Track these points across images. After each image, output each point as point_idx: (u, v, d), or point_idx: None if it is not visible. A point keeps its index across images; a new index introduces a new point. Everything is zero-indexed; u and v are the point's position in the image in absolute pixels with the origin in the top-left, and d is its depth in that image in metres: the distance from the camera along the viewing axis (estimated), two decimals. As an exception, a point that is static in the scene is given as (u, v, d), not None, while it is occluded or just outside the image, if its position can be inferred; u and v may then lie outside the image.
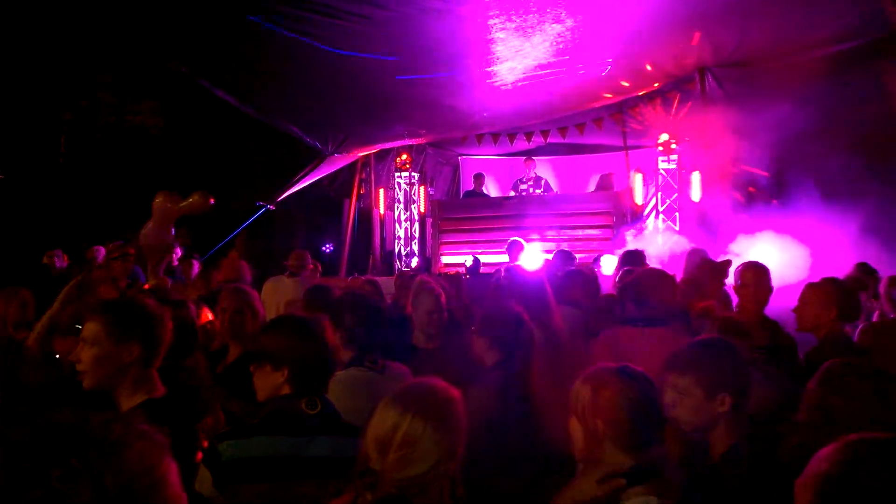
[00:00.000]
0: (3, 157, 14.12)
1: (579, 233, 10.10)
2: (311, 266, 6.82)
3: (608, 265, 7.75)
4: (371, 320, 3.20)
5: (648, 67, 8.26)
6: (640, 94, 9.32)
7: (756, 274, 3.89)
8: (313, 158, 9.43)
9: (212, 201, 4.76)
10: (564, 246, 9.61)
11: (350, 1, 5.35)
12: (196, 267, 7.37)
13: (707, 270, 4.70)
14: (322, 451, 2.14)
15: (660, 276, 3.81)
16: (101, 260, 8.19)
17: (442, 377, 2.27)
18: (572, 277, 4.93)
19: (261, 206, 9.88)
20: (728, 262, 4.66)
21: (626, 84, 8.85)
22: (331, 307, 3.63)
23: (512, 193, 11.20)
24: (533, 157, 11.66)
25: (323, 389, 2.33)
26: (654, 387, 2.01)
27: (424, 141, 11.60)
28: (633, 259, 5.73)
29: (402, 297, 5.28)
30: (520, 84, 8.05)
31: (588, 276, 5.11)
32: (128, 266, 5.97)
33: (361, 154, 10.70)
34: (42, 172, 15.13)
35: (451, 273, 7.74)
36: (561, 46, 7.10)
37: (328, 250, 13.02)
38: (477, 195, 11.58)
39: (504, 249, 9.01)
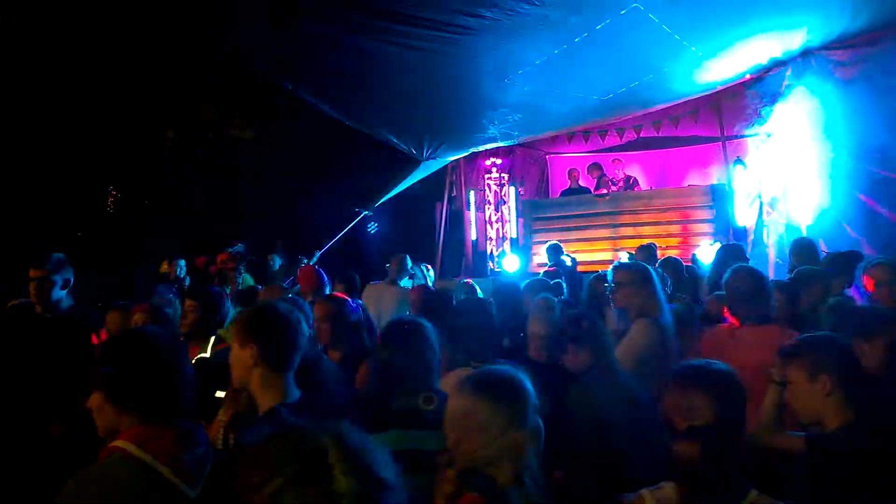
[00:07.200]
0: (114, 175, 15.13)
1: (676, 228, 9.85)
2: (412, 273, 6.96)
3: (706, 257, 7.53)
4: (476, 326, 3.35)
5: (749, 52, 7.94)
6: (740, 81, 8.98)
7: (890, 271, 3.70)
8: (408, 164, 9.60)
9: None
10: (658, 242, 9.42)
11: (450, 12, 5.44)
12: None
13: (829, 264, 4.47)
14: (438, 444, 2.22)
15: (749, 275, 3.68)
16: (201, 268, 8.81)
17: (549, 390, 2.40)
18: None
19: (359, 212, 10.14)
20: (855, 255, 4.41)
21: (724, 72, 8.56)
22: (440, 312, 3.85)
23: (604, 192, 11.03)
24: (620, 159, 11.44)
25: (431, 387, 2.63)
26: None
27: (515, 142, 11.58)
28: (731, 255, 5.52)
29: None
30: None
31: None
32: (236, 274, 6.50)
33: (453, 158, 10.80)
34: (149, 187, 16.04)
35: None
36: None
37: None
38: (577, 192, 11.44)
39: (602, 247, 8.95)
